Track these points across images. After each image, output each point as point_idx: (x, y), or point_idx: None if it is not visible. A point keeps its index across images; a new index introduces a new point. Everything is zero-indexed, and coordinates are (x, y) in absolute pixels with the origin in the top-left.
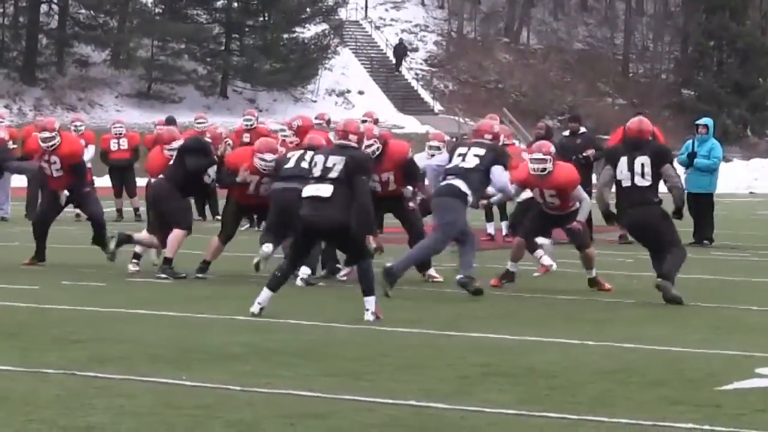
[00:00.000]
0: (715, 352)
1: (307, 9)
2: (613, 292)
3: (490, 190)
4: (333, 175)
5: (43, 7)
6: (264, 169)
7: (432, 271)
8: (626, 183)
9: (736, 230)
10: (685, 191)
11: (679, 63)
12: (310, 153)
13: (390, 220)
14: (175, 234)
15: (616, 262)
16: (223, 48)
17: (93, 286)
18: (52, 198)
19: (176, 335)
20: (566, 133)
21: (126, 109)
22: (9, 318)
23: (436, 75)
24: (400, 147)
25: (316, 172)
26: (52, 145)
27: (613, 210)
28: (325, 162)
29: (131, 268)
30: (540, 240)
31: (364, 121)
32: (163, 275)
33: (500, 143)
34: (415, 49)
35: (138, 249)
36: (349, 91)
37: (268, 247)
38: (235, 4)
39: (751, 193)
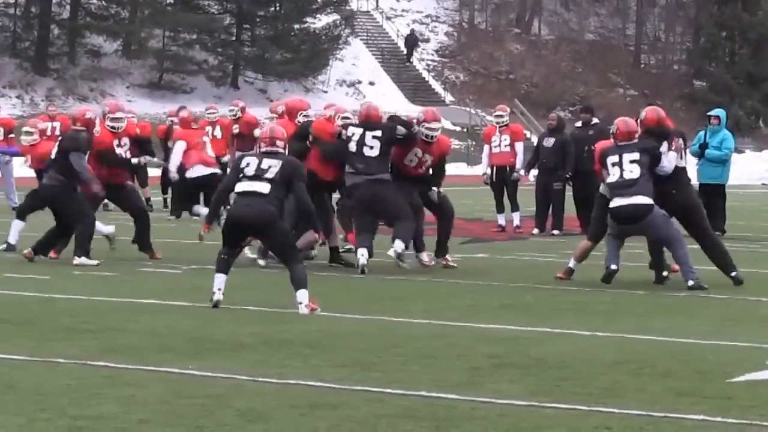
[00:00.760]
0: (726, 343)
1: None
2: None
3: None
4: (269, 176)
5: None
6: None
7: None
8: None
9: (748, 221)
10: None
11: (691, 54)
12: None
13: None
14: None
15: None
16: (234, 38)
17: (104, 276)
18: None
19: (187, 325)
20: (578, 124)
21: (137, 100)
22: (20, 308)
23: (447, 66)
24: (447, 141)
25: (249, 171)
26: (121, 127)
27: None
28: (259, 164)
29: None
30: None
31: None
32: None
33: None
34: (426, 40)
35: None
36: (360, 82)
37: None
38: None
39: (763, 184)
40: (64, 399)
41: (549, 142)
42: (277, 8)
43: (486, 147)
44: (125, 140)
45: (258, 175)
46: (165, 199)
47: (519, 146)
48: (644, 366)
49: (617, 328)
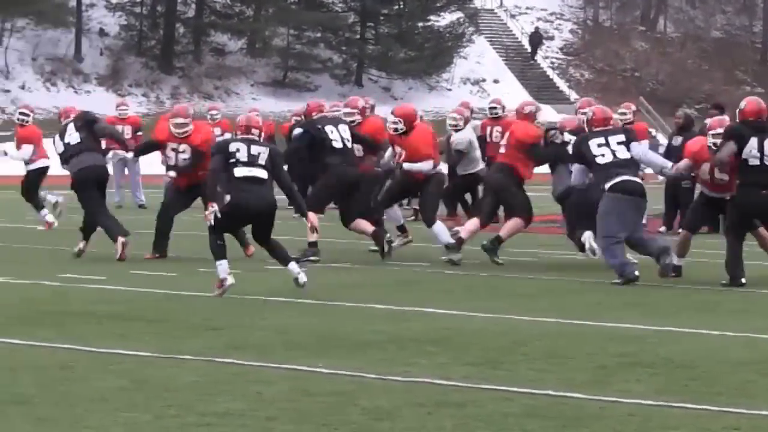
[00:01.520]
0: None
1: None
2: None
3: None
4: (261, 162)
5: None
6: None
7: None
8: (754, 162)
9: None
10: None
11: None
12: None
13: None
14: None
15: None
16: (358, 36)
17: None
18: (176, 190)
19: (313, 323)
20: (708, 121)
21: (262, 98)
22: (148, 305)
23: (571, 63)
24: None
25: (242, 157)
26: (184, 132)
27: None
28: (249, 150)
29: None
30: None
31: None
32: None
33: None
34: (551, 38)
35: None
36: (484, 80)
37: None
38: None
39: None
40: (191, 395)
41: (677, 140)
42: (401, 6)
43: None
44: (185, 146)
45: (251, 162)
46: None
47: (644, 144)
48: None
49: (746, 327)
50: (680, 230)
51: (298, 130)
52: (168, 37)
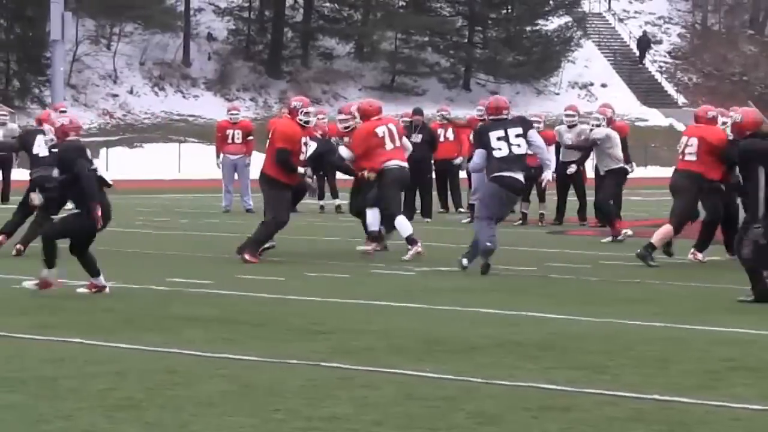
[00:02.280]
0: None
1: (550, 1)
2: None
3: None
4: None
5: (289, 1)
6: None
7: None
8: None
9: None
10: None
11: None
12: None
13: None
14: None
15: None
16: (466, 40)
17: (337, 277)
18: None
19: (419, 327)
20: None
21: None
22: (255, 309)
23: (680, 67)
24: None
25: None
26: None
27: None
28: None
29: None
30: None
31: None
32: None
33: None
34: (659, 42)
35: None
36: (592, 84)
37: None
38: None
39: None
40: (297, 400)
41: None
42: (509, 10)
43: None
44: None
45: None
46: None
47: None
48: None
49: None
50: None
51: None
52: (276, 41)
